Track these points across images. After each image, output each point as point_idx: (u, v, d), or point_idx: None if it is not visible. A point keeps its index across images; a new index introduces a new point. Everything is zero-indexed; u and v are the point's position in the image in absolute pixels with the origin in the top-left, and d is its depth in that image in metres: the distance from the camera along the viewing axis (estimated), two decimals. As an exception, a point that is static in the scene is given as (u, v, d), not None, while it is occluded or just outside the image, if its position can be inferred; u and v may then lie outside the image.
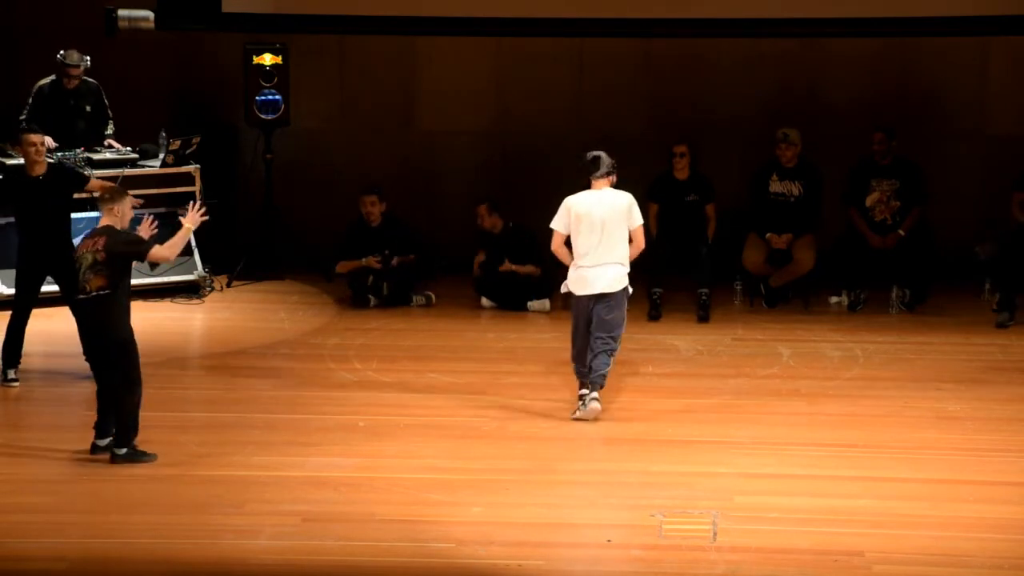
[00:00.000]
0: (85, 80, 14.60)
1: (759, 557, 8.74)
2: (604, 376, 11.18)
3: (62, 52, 14.47)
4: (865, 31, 15.01)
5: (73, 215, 13.92)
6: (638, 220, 11.37)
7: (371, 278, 14.40)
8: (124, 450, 10.17)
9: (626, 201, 11.35)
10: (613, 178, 11.49)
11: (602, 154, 11.47)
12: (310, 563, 8.71)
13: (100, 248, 10.12)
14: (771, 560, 8.71)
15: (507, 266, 14.41)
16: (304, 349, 13.09)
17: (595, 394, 11.14)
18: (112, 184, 10.68)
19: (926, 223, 14.55)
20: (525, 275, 14.39)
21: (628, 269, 11.34)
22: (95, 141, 14.67)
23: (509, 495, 9.68)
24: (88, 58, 14.53)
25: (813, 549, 8.84)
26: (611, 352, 11.20)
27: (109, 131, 14.80)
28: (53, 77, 14.55)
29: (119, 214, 10.34)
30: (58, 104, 14.54)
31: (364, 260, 14.40)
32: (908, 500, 9.62)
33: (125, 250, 10.17)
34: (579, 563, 8.75)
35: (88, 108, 14.69)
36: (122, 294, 10.21)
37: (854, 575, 8.57)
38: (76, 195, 12.45)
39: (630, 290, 11.39)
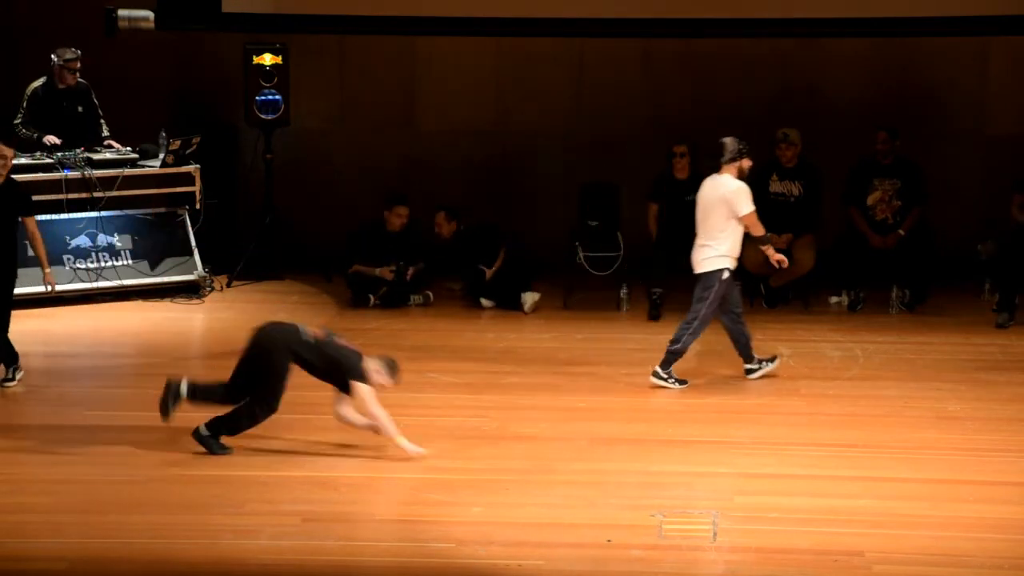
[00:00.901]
0: (77, 80, 14.59)
1: (759, 557, 8.73)
2: (670, 352, 11.82)
3: (54, 53, 14.44)
4: (865, 31, 15.01)
5: (74, 215, 13.91)
6: (740, 210, 11.71)
7: (384, 289, 14.36)
8: (209, 433, 10.33)
9: (721, 191, 11.73)
10: (741, 163, 11.82)
11: (727, 141, 11.85)
12: (310, 563, 8.70)
13: (320, 336, 10.43)
14: (771, 560, 8.70)
15: (490, 274, 14.42)
16: (304, 349, 13.07)
17: (657, 368, 11.85)
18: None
19: (926, 223, 14.55)
20: (506, 263, 14.42)
21: (720, 253, 11.77)
22: (92, 141, 14.65)
23: (509, 495, 9.67)
24: (79, 52, 14.52)
25: (813, 549, 8.83)
26: (679, 338, 11.80)
27: (104, 132, 14.79)
28: (44, 79, 14.53)
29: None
30: (52, 106, 14.51)
31: (379, 271, 14.38)
32: (908, 500, 9.61)
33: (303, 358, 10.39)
34: (579, 563, 8.73)
35: (80, 109, 14.67)
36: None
37: (854, 575, 8.57)
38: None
39: (723, 275, 11.80)
